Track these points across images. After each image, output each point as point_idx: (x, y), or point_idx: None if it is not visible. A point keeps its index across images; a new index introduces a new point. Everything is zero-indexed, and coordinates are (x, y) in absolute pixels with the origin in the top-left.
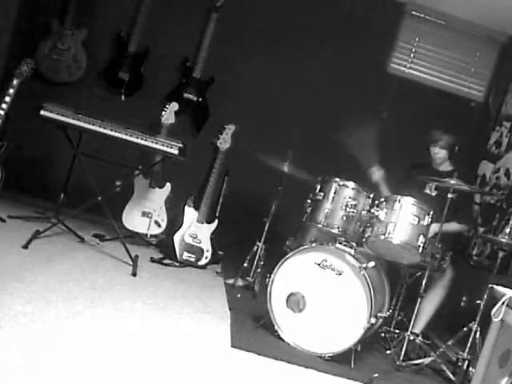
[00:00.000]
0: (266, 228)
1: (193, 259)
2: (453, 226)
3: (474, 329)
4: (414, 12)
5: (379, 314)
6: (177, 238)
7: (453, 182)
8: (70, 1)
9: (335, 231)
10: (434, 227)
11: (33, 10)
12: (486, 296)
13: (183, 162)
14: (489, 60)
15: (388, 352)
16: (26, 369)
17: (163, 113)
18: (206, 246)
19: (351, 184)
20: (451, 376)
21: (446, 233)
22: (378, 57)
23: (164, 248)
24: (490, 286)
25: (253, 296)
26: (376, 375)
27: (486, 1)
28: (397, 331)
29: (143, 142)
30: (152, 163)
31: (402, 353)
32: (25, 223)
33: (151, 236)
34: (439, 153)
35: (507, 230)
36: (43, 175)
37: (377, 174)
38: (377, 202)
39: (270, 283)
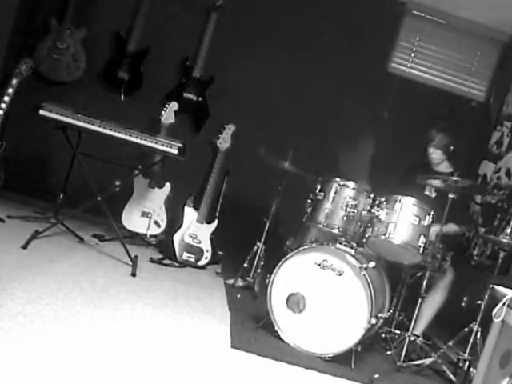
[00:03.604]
0: (266, 228)
1: (192, 259)
2: (451, 228)
3: (475, 329)
4: (414, 11)
5: (380, 315)
6: (176, 238)
7: (454, 179)
8: (69, 0)
9: (335, 231)
10: (434, 229)
11: (32, 10)
12: (486, 296)
13: (183, 161)
14: (490, 59)
15: (388, 353)
16: (26, 369)
17: (163, 112)
18: (206, 246)
19: (351, 184)
20: (452, 377)
21: (446, 234)
22: (379, 56)
23: (164, 248)
24: (491, 286)
25: (253, 296)
26: (376, 376)
27: (487, 0)
28: (397, 332)
29: (143, 142)
30: (151, 163)
31: (403, 353)
32: (24, 223)
33: (151, 236)
34: (434, 153)
35: (508, 230)
36: (42, 175)
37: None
38: (377, 202)
39: (270, 283)
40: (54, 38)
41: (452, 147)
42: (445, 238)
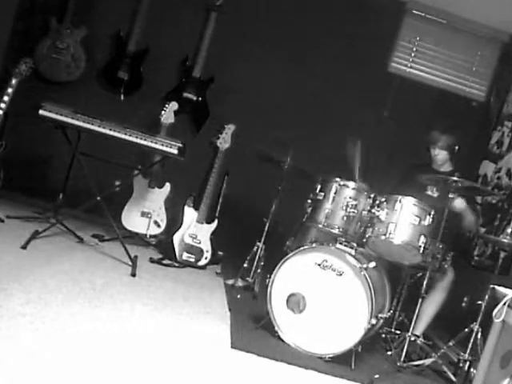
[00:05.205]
0: (266, 228)
1: (192, 260)
2: (470, 217)
3: (476, 330)
4: (414, 11)
5: (380, 315)
6: (176, 238)
7: (454, 179)
8: (68, 0)
9: (336, 231)
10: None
11: (31, 9)
12: (487, 297)
13: (183, 161)
14: (490, 59)
15: (389, 353)
16: (25, 370)
17: (163, 112)
18: (206, 246)
19: (352, 184)
20: (452, 377)
21: (467, 222)
22: (379, 56)
23: (163, 248)
24: (492, 286)
25: (253, 297)
26: (377, 376)
27: (488, 0)
28: (397, 332)
29: (142, 142)
30: (151, 163)
31: (403, 354)
32: (23, 223)
33: (150, 236)
34: (439, 154)
35: (509, 231)
36: (42, 175)
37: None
38: (377, 202)
39: (270, 284)
40: (53, 38)
41: (457, 147)
42: (445, 238)
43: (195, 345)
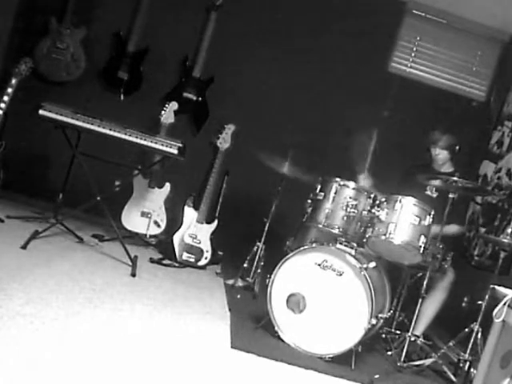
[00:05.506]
0: (266, 228)
1: (192, 260)
2: (452, 228)
3: (476, 330)
4: (415, 11)
5: (380, 315)
6: (176, 238)
7: (454, 179)
8: None
9: (336, 231)
10: (435, 229)
11: (31, 9)
12: (487, 297)
13: (183, 161)
14: (490, 59)
15: (389, 353)
16: (25, 370)
17: (163, 112)
18: (206, 246)
19: (352, 184)
20: (452, 377)
21: (447, 235)
22: (379, 56)
23: (163, 248)
24: (492, 286)
25: (253, 297)
26: (377, 376)
27: (488, 0)
28: (398, 332)
29: (142, 142)
30: (151, 163)
31: (403, 354)
32: (23, 223)
33: (150, 236)
34: (440, 153)
35: (509, 231)
36: (42, 175)
37: (364, 181)
38: (377, 202)
39: (270, 284)
40: (53, 38)
41: (458, 147)
42: (445, 239)
43: (195, 345)
